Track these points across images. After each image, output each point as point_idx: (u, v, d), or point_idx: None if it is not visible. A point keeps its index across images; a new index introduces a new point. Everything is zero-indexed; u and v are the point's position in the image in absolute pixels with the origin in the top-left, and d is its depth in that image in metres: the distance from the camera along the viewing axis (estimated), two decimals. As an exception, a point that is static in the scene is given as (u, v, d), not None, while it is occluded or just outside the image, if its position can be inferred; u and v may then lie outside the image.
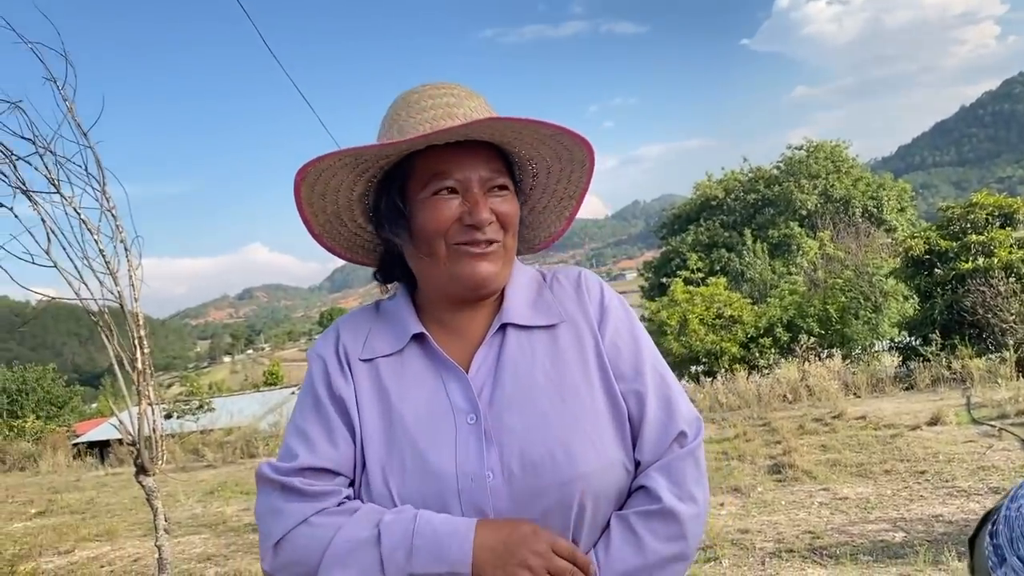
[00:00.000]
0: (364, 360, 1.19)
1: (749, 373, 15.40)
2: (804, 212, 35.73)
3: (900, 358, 15.54)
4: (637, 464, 1.16)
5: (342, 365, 1.19)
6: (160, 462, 4.32)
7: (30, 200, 4.20)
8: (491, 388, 1.14)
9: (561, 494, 1.07)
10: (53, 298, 4.32)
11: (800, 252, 32.91)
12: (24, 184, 4.18)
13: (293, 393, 30.69)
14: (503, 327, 1.20)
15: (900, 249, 16.47)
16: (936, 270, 14.95)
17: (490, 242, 1.15)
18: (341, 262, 1.43)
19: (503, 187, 1.17)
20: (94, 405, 40.03)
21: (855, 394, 12.75)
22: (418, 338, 1.20)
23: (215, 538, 8.47)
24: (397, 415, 1.13)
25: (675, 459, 1.14)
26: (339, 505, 1.09)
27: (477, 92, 1.21)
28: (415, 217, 1.15)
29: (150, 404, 4.31)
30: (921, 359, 13.44)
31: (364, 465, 1.12)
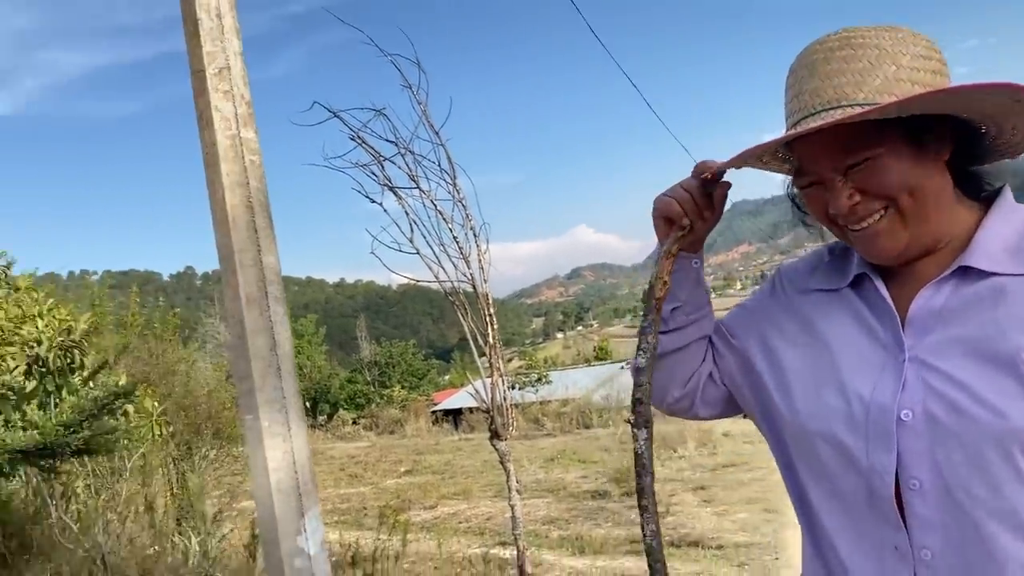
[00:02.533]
0: (802, 292, 1.26)
1: None
2: None
3: None
4: None
5: (775, 291, 1.32)
6: (512, 428, 4.73)
7: (395, 195, 4.80)
8: (925, 330, 1.07)
9: (993, 446, 0.97)
10: (418, 281, 4.89)
11: None
12: (390, 181, 4.79)
13: (622, 368, 31.43)
14: (959, 269, 1.07)
15: None
16: None
17: (870, 216, 1.07)
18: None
19: (867, 158, 1.04)
20: (446, 377, 44.28)
21: None
22: (860, 278, 1.17)
23: (556, 503, 9.03)
24: (821, 341, 1.17)
25: None
26: None
27: (907, 40, 1.05)
28: None
29: (501, 375, 4.72)
30: None
31: (769, 374, 1.23)
